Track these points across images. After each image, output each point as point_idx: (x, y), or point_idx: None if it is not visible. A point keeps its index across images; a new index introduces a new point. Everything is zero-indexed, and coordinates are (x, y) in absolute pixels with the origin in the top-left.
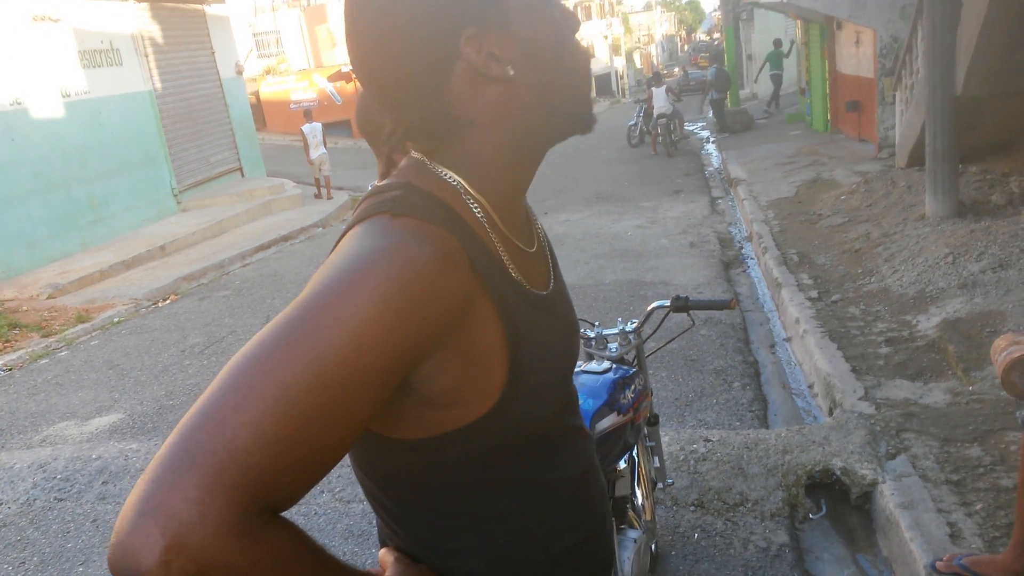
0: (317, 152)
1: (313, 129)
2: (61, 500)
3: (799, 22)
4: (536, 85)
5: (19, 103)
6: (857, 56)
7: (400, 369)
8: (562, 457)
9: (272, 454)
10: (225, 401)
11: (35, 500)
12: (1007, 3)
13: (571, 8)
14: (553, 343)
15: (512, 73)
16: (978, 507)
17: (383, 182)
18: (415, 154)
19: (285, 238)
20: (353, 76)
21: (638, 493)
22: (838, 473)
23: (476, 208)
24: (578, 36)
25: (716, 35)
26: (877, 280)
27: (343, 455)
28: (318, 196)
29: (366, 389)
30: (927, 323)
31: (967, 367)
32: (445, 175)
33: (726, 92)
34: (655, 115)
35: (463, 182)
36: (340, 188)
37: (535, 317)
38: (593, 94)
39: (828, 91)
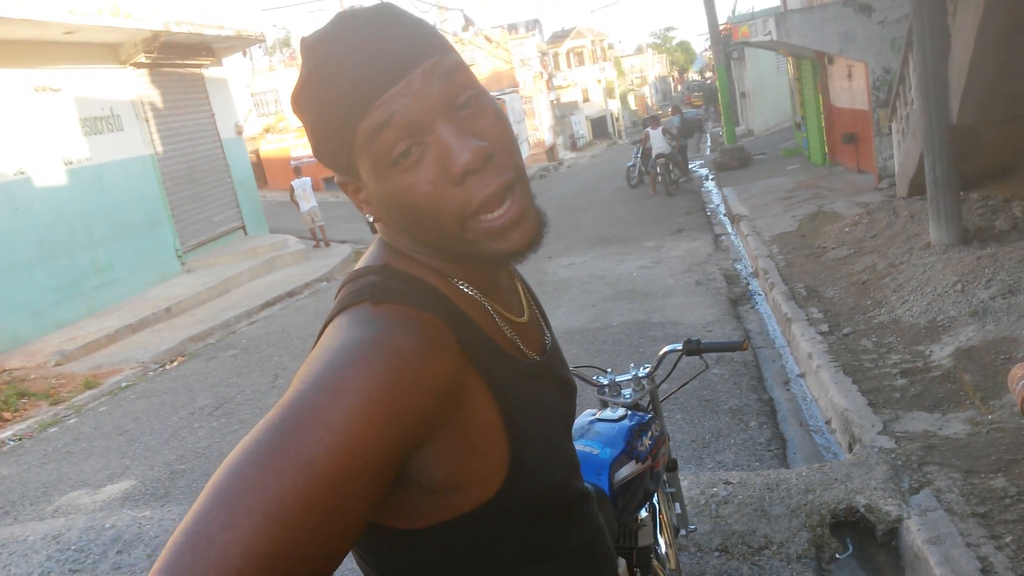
0: (308, 205)
1: (303, 183)
2: (76, 572)
3: (790, 58)
4: (400, 228)
5: (22, 172)
6: (851, 89)
7: (394, 464)
8: (571, 527)
9: (264, 570)
10: (211, 518)
11: (50, 573)
12: (995, 32)
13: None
14: (550, 407)
15: (372, 219)
16: (1008, 539)
17: (361, 265)
18: (381, 233)
19: (290, 294)
20: None
21: (661, 542)
22: (862, 510)
23: (462, 285)
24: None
25: (708, 74)
26: (887, 311)
27: (343, 557)
28: (316, 246)
29: (360, 490)
30: (941, 353)
31: (985, 396)
32: (416, 255)
33: (688, 138)
34: (654, 155)
35: (431, 260)
36: (343, 241)
37: (530, 387)
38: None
39: (824, 124)
